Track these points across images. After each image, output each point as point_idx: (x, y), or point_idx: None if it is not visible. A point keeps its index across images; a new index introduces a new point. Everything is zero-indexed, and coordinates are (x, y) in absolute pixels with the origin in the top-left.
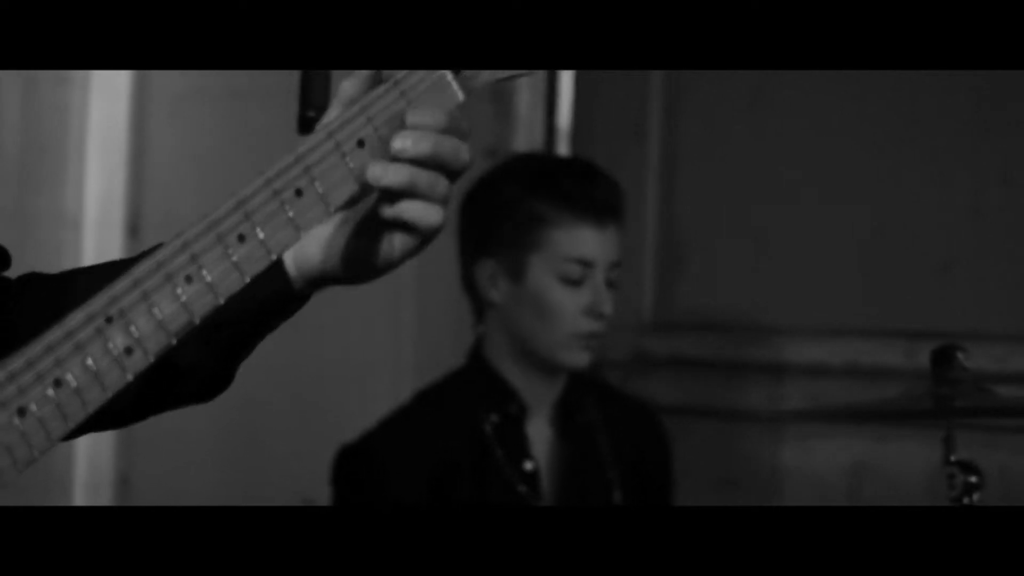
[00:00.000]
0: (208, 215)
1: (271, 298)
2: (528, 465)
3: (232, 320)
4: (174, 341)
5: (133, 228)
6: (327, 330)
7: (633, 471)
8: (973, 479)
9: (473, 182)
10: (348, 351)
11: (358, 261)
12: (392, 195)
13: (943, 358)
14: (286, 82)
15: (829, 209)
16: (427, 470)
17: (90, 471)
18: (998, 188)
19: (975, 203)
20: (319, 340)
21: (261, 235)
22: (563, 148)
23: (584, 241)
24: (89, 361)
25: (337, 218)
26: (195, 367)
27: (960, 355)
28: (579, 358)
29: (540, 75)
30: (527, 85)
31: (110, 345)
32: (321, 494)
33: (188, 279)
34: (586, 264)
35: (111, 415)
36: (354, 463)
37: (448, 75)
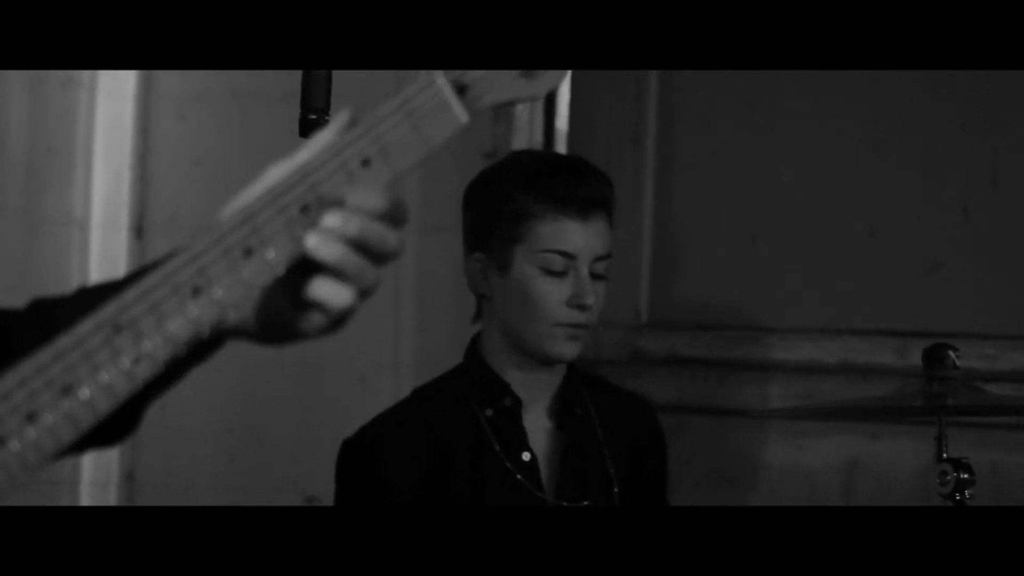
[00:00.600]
0: (216, 227)
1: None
2: (526, 456)
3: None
4: (182, 351)
5: (138, 229)
6: None
7: (630, 463)
8: (965, 476)
9: (472, 179)
10: (349, 351)
11: (269, 323)
12: (317, 269)
13: (935, 357)
14: (288, 85)
15: (822, 210)
16: (425, 461)
17: (96, 468)
18: (988, 189)
19: (965, 204)
20: (320, 341)
21: (267, 251)
22: (561, 150)
23: (565, 234)
24: (98, 369)
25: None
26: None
27: (951, 354)
28: (565, 348)
29: None
30: None
31: (119, 354)
32: (323, 491)
33: (196, 291)
34: (568, 256)
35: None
36: (353, 456)
37: (452, 97)
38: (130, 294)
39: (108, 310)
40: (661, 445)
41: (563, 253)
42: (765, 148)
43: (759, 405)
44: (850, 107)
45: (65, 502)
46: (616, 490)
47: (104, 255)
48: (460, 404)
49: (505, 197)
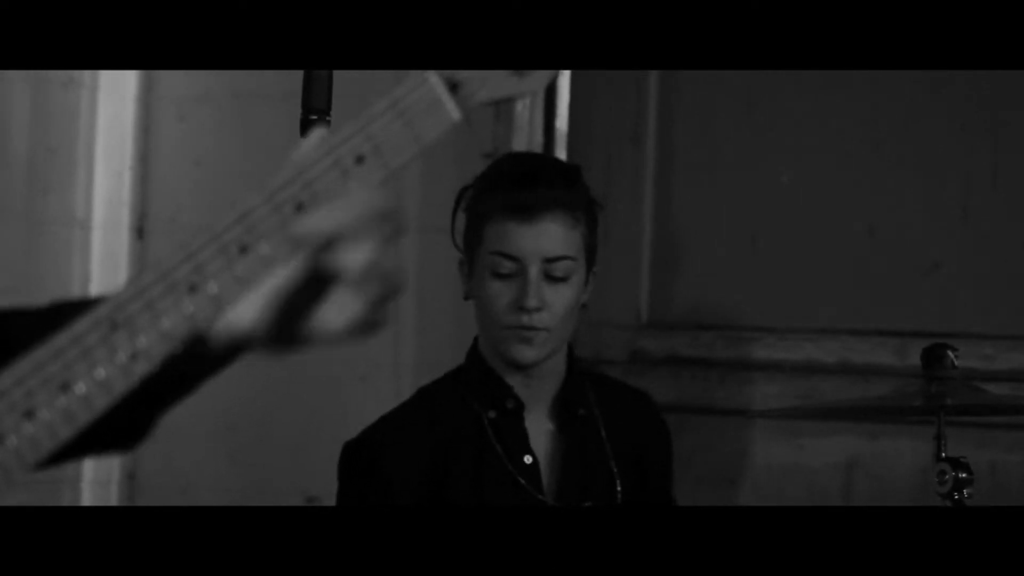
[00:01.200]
0: (212, 227)
1: (193, 361)
2: (527, 459)
3: (154, 382)
4: (178, 349)
5: (139, 229)
6: None
7: (634, 460)
8: (963, 475)
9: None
10: (350, 351)
11: (284, 332)
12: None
13: (934, 357)
14: (289, 86)
15: (822, 211)
16: (427, 463)
17: (97, 467)
18: (987, 190)
19: (965, 204)
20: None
21: (262, 248)
22: (561, 151)
23: (508, 235)
24: (96, 366)
25: (268, 285)
26: (116, 418)
27: (950, 354)
28: (517, 352)
29: None
30: None
31: (116, 351)
32: (324, 491)
33: (192, 289)
34: (511, 259)
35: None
36: (355, 456)
37: (444, 94)
38: (126, 292)
39: (105, 308)
40: (666, 440)
41: (507, 255)
42: (765, 148)
43: (759, 405)
44: (850, 107)
45: (67, 501)
46: (619, 488)
47: (106, 255)
48: (463, 406)
49: (472, 199)
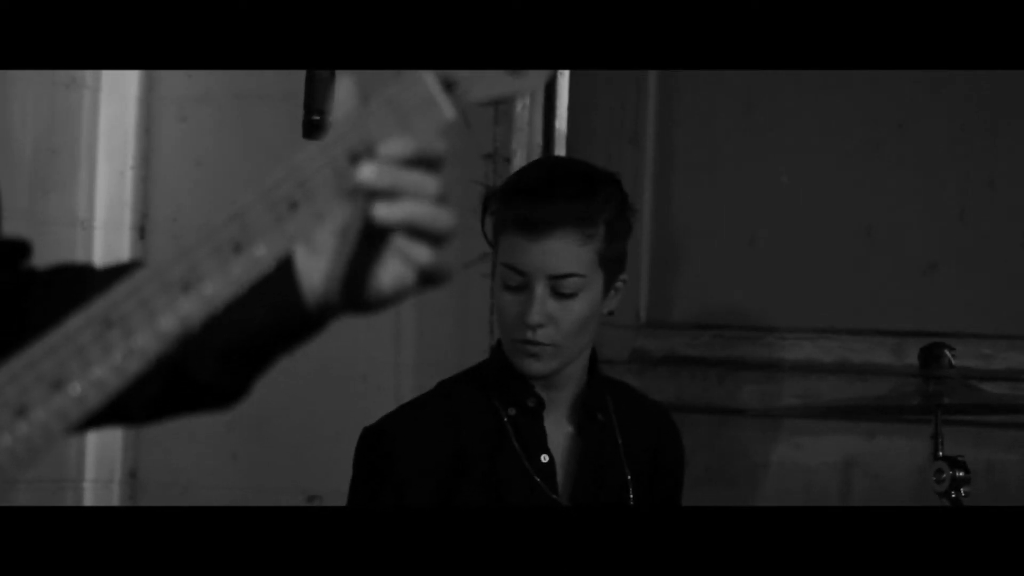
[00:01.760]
0: (206, 225)
1: (287, 323)
2: (544, 458)
3: (250, 342)
4: (171, 347)
5: (141, 229)
6: (330, 330)
7: (647, 471)
8: (960, 474)
9: None
10: (350, 349)
11: (352, 291)
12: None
13: (931, 356)
14: (291, 86)
15: (820, 211)
16: (443, 455)
17: (99, 467)
18: (984, 191)
19: (962, 205)
20: (322, 340)
21: (256, 247)
22: (560, 152)
23: (515, 250)
24: (89, 365)
25: (341, 245)
26: (213, 384)
27: (948, 353)
28: (525, 364)
29: None
30: None
31: (110, 350)
32: (325, 490)
33: (185, 288)
34: (519, 272)
35: (128, 416)
36: (372, 443)
37: (439, 93)
38: (121, 290)
39: (99, 306)
40: (679, 455)
41: (515, 269)
42: (764, 149)
43: (757, 404)
44: (849, 108)
45: (69, 500)
46: (631, 496)
47: (108, 255)
48: (483, 401)
49: (495, 206)
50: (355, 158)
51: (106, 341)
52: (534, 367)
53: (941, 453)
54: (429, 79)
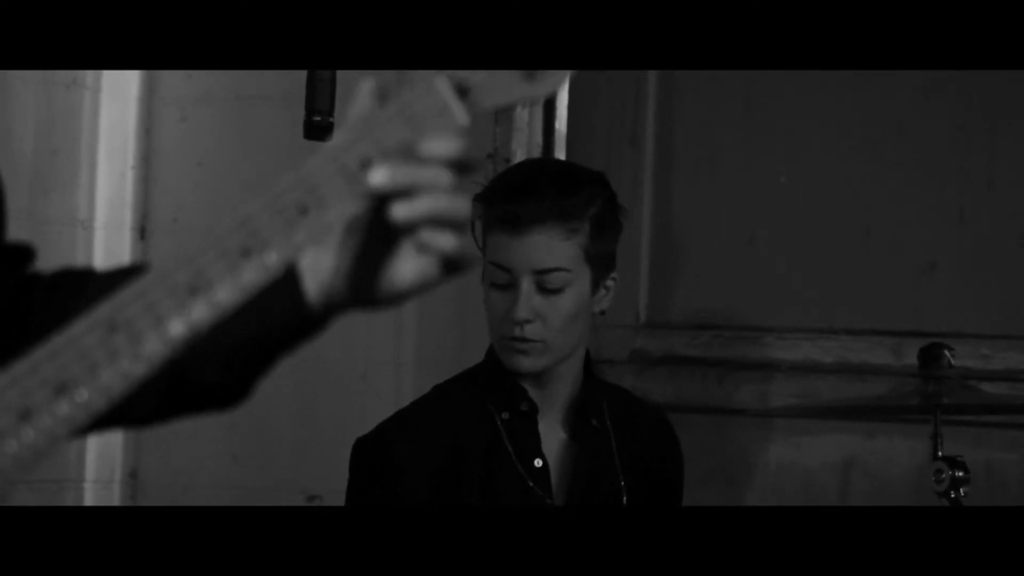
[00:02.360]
0: (213, 230)
1: (290, 322)
2: (538, 462)
3: (252, 342)
4: (177, 353)
5: (141, 230)
6: (330, 330)
7: (643, 477)
8: (960, 474)
9: None
10: (350, 349)
11: (364, 288)
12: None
13: (930, 356)
14: (290, 87)
15: (819, 211)
16: (437, 460)
17: (100, 467)
18: (982, 192)
19: (961, 205)
20: (322, 340)
21: (264, 253)
22: (560, 153)
23: (500, 247)
24: (94, 369)
25: (348, 243)
26: (216, 385)
27: (947, 353)
28: (514, 362)
29: None
30: None
31: (115, 354)
32: (325, 490)
33: (193, 292)
34: (505, 270)
35: (130, 419)
36: (367, 451)
37: (452, 100)
38: (127, 295)
39: (104, 310)
40: (678, 460)
41: (500, 267)
42: (763, 149)
43: (757, 404)
44: (848, 108)
45: (69, 500)
46: (625, 501)
47: (108, 255)
48: (477, 405)
49: (481, 207)
50: (366, 164)
51: (111, 346)
52: (523, 364)
53: (940, 453)
54: (442, 86)
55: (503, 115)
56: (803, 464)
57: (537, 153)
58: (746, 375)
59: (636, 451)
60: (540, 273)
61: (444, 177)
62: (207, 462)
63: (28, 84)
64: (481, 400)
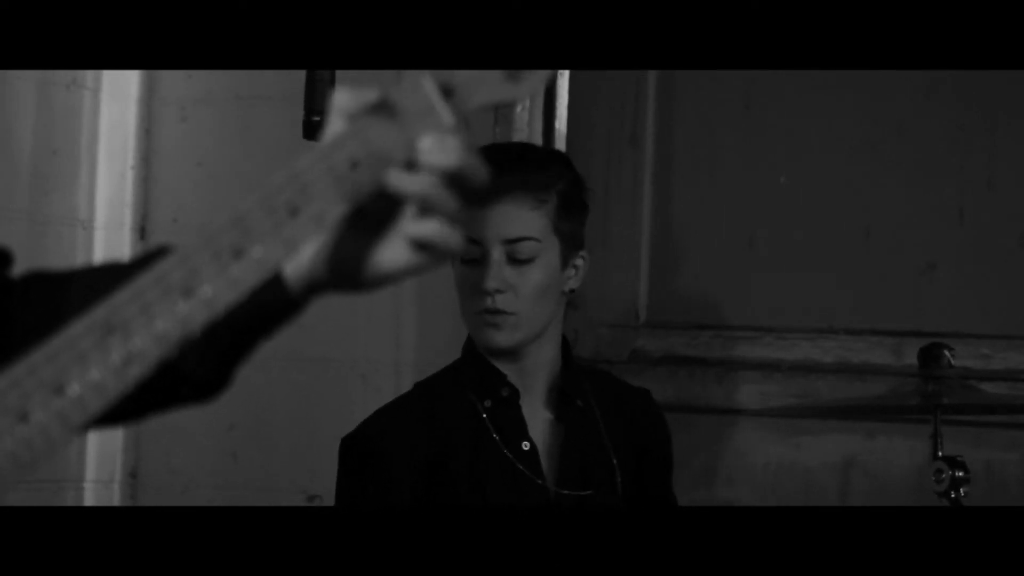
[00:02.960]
0: (206, 229)
1: (268, 305)
2: (525, 445)
3: (230, 328)
4: (173, 352)
5: (141, 229)
6: (330, 330)
7: (633, 455)
8: (960, 474)
9: None
10: (351, 349)
11: (346, 272)
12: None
13: (930, 356)
14: (290, 87)
15: (819, 211)
16: (424, 454)
17: (100, 466)
18: (983, 191)
19: (961, 206)
20: (322, 339)
21: (256, 252)
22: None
23: (471, 220)
24: (90, 370)
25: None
26: (195, 374)
27: (947, 353)
28: (484, 336)
29: None
30: None
31: (111, 355)
32: (325, 490)
33: (186, 292)
34: (475, 242)
35: (111, 415)
36: (352, 449)
37: (438, 101)
38: (123, 295)
39: (100, 312)
40: (665, 436)
41: (470, 239)
42: (763, 149)
43: (756, 404)
44: (847, 109)
45: (69, 500)
46: (619, 480)
47: (108, 255)
48: (459, 396)
49: None
50: (355, 164)
51: (107, 346)
52: (496, 339)
53: (940, 453)
54: (428, 86)
55: (503, 115)
56: (803, 464)
57: None
58: (746, 375)
59: (624, 429)
60: (510, 243)
61: (451, 202)
62: (207, 462)
63: (27, 83)
64: (462, 391)
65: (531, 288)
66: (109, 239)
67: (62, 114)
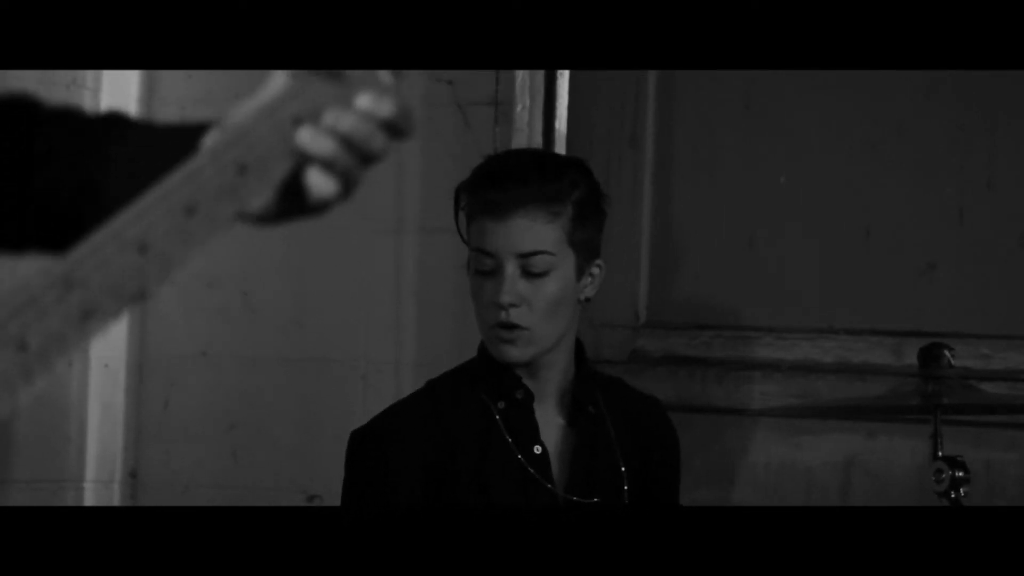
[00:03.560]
0: (161, 185)
1: None
2: (537, 449)
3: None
4: (131, 305)
5: None
6: (330, 330)
7: (642, 464)
8: (960, 474)
9: None
10: (351, 349)
11: (286, 205)
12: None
13: (930, 356)
14: None
15: (819, 212)
16: (433, 452)
17: (100, 466)
18: (982, 192)
19: (961, 206)
20: (322, 339)
21: (208, 207)
22: (560, 152)
23: (483, 233)
24: (51, 325)
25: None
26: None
27: (947, 353)
28: (502, 351)
29: (539, 80)
30: (526, 90)
31: (71, 309)
32: (325, 490)
33: (142, 248)
34: (489, 255)
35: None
36: (361, 445)
37: (387, 81)
38: (81, 250)
39: (60, 266)
40: (674, 448)
41: (485, 252)
42: (763, 149)
43: (756, 404)
44: (847, 109)
45: (69, 500)
46: (626, 488)
47: None
48: (472, 397)
49: (464, 199)
50: (298, 122)
51: (67, 301)
52: (511, 354)
53: (940, 453)
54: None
55: (503, 115)
56: (803, 464)
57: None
58: (746, 375)
59: (634, 437)
60: (524, 256)
61: (379, 139)
62: (207, 462)
63: (27, 83)
64: (475, 392)
65: (545, 301)
66: None
67: None
